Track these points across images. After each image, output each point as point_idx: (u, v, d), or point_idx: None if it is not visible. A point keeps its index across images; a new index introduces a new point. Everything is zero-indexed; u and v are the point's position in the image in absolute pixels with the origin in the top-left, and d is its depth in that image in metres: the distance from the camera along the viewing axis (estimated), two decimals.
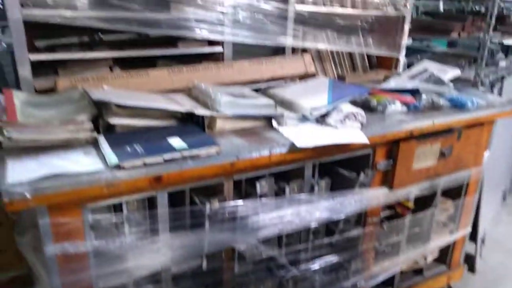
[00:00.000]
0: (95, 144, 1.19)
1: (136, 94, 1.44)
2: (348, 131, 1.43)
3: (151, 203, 1.24)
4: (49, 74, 1.52)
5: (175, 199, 1.27)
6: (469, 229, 2.15)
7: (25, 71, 1.39)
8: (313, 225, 1.54)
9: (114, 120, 1.24)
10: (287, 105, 1.55)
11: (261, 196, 1.40)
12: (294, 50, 1.98)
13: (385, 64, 2.35)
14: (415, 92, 1.76)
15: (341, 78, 2.13)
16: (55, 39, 1.52)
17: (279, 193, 1.46)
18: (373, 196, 1.62)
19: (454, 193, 1.99)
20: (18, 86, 1.42)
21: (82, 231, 1.11)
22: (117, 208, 1.21)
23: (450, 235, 2.06)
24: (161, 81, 1.59)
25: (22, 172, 1.01)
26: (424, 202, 1.86)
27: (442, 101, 1.74)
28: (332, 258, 1.63)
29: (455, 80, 2.02)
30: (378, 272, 1.83)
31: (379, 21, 2.23)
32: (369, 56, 2.33)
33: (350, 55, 2.26)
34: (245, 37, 1.74)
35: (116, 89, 1.46)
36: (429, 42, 3.92)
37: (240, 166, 1.25)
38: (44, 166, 1.04)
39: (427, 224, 1.91)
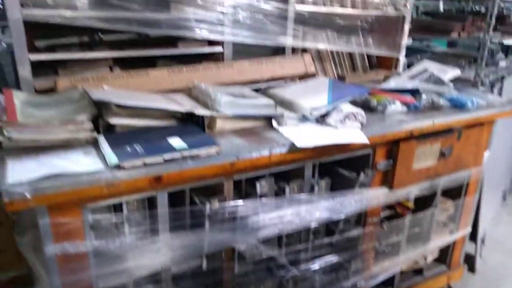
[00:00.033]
0: (95, 144, 1.19)
1: (136, 94, 1.44)
2: (348, 131, 1.43)
3: (151, 203, 1.24)
4: (49, 74, 1.52)
5: (175, 199, 1.27)
6: (469, 229, 2.15)
7: (25, 71, 1.39)
8: (313, 225, 1.54)
9: (114, 120, 1.24)
10: (287, 105, 1.55)
11: (261, 196, 1.40)
12: (294, 50, 1.98)
13: (385, 64, 2.35)
14: (415, 92, 1.76)
15: (341, 78, 2.13)
16: (55, 39, 1.52)
17: (279, 193, 1.46)
18: (373, 196, 1.62)
19: (454, 193, 1.99)
20: (18, 86, 1.42)
21: (82, 231, 1.11)
22: (117, 208, 1.21)
23: (450, 235, 2.06)
24: (161, 81, 1.59)
25: (22, 172, 1.01)
26: (424, 202, 1.86)
27: (442, 101, 1.74)
28: (332, 258, 1.63)
29: (455, 80, 2.02)
30: (378, 272, 1.83)
31: (379, 21, 2.23)
32: (369, 56, 2.33)
33: (350, 55, 2.26)
34: (245, 37, 1.74)
35: (116, 89, 1.46)
36: (429, 42, 3.92)
37: (240, 166, 1.25)
38: (44, 166, 1.04)
39: (427, 224, 1.91)
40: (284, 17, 1.84)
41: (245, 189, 1.44)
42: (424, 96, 1.73)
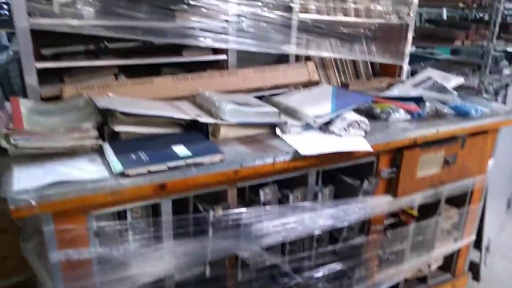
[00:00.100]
0: (100, 151, 1.20)
1: (140, 101, 1.45)
2: (352, 139, 1.44)
3: (155, 210, 1.25)
4: (55, 81, 1.53)
5: (179, 206, 1.28)
6: (473, 237, 2.14)
7: (31, 79, 1.41)
8: (317, 232, 1.54)
9: (119, 128, 1.26)
10: (290, 113, 1.56)
11: (264, 203, 1.40)
12: (297, 58, 1.99)
13: (389, 72, 2.36)
14: (418, 100, 1.76)
15: (344, 85, 2.14)
16: (61, 47, 1.54)
17: (282, 200, 1.46)
18: (377, 203, 1.61)
19: (459, 201, 1.98)
20: (24, 94, 1.44)
21: (87, 238, 1.12)
22: (122, 215, 1.21)
23: (455, 243, 2.05)
24: (165, 88, 1.61)
25: (28, 179, 1.02)
26: (428, 210, 1.86)
27: (446, 109, 1.74)
28: (335, 266, 1.63)
29: (459, 88, 2.02)
30: (382, 280, 1.82)
31: (382, 29, 2.24)
32: (372, 64, 2.33)
33: (354, 63, 2.27)
34: (249, 45, 1.76)
35: (121, 97, 1.47)
36: (432, 50, 3.93)
37: (243, 173, 1.25)
38: (49, 174, 1.05)
39: (431, 232, 1.90)
40: (288, 25, 1.86)
41: (248, 196, 1.45)
42: (427, 104, 1.73)
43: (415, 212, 1.78)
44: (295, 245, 1.54)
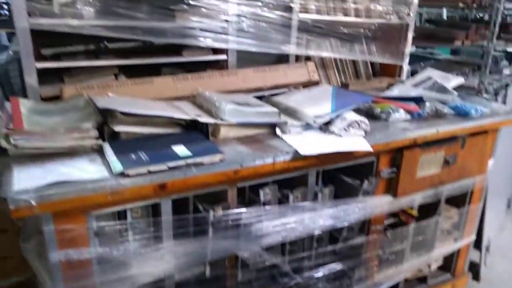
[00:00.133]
0: (100, 151, 1.20)
1: (140, 101, 1.45)
2: (352, 139, 1.44)
3: (155, 210, 1.25)
4: (55, 81, 1.53)
5: (179, 206, 1.28)
6: (473, 237, 2.14)
7: (31, 79, 1.41)
8: (317, 232, 1.54)
9: (119, 128, 1.26)
10: (290, 113, 1.56)
11: (264, 203, 1.40)
12: (297, 58, 1.99)
13: (389, 72, 2.36)
14: (418, 100, 1.76)
15: (344, 85, 2.14)
16: (61, 47, 1.54)
17: (282, 200, 1.46)
18: (377, 203, 1.62)
19: (459, 201, 1.98)
20: (24, 94, 1.44)
21: (87, 238, 1.12)
22: (121, 215, 1.21)
23: (455, 243, 2.05)
24: (165, 88, 1.61)
25: (28, 179, 1.02)
26: (428, 210, 1.86)
27: (446, 109, 1.74)
28: (335, 266, 1.63)
29: (459, 88, 2.02)
30: (382, 280, 1.82)
31: (382, 29, 2.24)
32: (372, 64, 2.33)
33: (354, 63, 2.27)
34: (249, 45, 1.76)
35: (121, 97, 1.47)
36: (432, 50, 3.93)
37: (243, 173, 1.25)
38: (49, 174, 1.05)
39: (431, 232, 1.90)
40: (288, 25, 1.86)
41: (248, 196, 1.45)
42: (427, 104, 1.73)
43: (415, 212, 1.78)
44: (295, 245, 1.54)
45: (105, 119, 1.28)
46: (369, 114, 1.66)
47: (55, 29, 1.39)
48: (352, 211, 1.53)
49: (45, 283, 1.21)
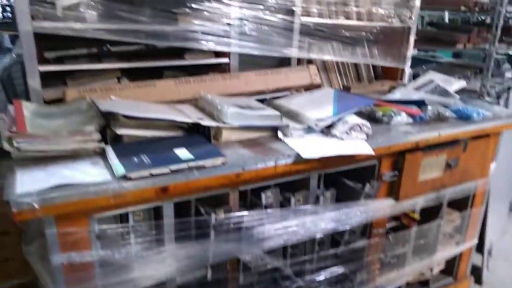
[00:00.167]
0: (102, 154, 1.20)
1: (143, 104, 1.46)
2: (354, 142, 1.44)
3: (157, 213, 1.25)
4: (57, 84, 1.54)
5: (181, 209, 1.28)
6: (475, 241, 2.13)
7: (34, 82, 1.41)
8: (319, 236, 1.53)
9: (122, 131, 1.26)
10: (292, 116, 1.56)
11: (266, 206, 1.40)
12: (299, 61, 1.99)
13: (391, 75, 2.36)
14: (420, 104, 1.76)
15: (346, 88, 2.14)
16: (65, 51, 1.54)
17: (284, 203, 1.46)
18: (378, 207, 1.61)
19: (461, 204, 1.98)
20: (27, 97, 1.44)
21: (89, 241, 1.12)
22: (123, 218, 1.22)
23: (457, 246, 2.05)
24: (168, 91, 1.61)
25: (31, 182, 1.02)
26: (430, 213, 1.85)
27: (448, 113, 1.74)
28: (337, 269, 1.62)
29: (461, 91, 2.02)
30: (384, 283, 1.81)
31: (384, 32, 2.25)
32: (374, 67, 2.34)
33: (356, 66, 2.27)
34: (251, 48, 1.76)
35: (123, 100, 1.48)
36: (434, 53, 3.93)
37: (245, 177, 1.25)
38: (52, 177, 1.05)
39: (433, 236, 1.90)
40: (290, 28, 1.86)
41: (250, 199, 1.45)
42: (429, 108, 1.73)
43: (417, 216, 1.77)
44: (297, 248, 1.54)
45: (107, 122, 1.29)
46: (371, 118, 1.66)
47: (58, 33, 1.40)
48: (354, 214, 1.53)
49: (47, 286, 1.22)
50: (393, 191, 1.65)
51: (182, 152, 1.21)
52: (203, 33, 1.65)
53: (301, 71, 1.94)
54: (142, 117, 1.28)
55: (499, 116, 1.84)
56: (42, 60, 1.47)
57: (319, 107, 1.58)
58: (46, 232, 1.05)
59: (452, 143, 1.71)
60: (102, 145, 1.21)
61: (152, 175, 1.11)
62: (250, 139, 1.43)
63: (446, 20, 4.75)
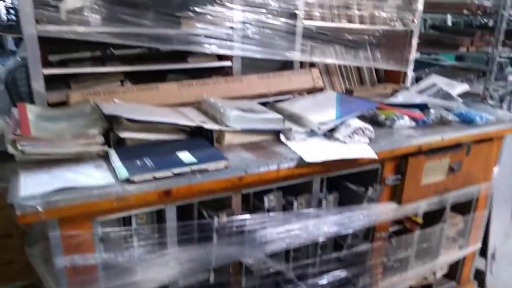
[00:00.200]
0: (105, 157, 1.21)
1: (146, 108, 1.46)
2: (356, 146, 1.44)
3: (159, 216, 1.25)
4: (61, 87, 1.55)
5: (183, 213, 1.28)
6: (479, 245, 2.13)
7: (38, 85, 1.42)
8: (321, 239, 1.53)
9: (125, 134, 1.26)
10: (295, 119, 1.56)
11: (269, 210, 1.40)
12: (302, 65, 1.99)
13: (393, 78, 2.36)
14: (423, 107, 1.76)
15: (348, 92, 2.14)
16: (68, 54, 1.55)
17: (287, 207, 1.46)
18: (381, 211, 1.61)
19: (464, 208, 1.97)
20: (31, 100, 1.45)
21: (92, 243, 1.12)
22: (126, 221, 1.22)
23: (460, 250, 2.04)
24: (171, 95, 1.62)
25: (35, 185, 1.03)
26: (433, 217, 1.85)
27: (450, 116, 1.74)
28: (340, 273, 1.62)
29: (464, 95, 2.02)
30: (387, 287, 1.81)
31: (387, 35, 2.25)
32: (377, 70, 2.34)
33: (358, 69, 2.27)
34: (254, 51, 1.77)
35: (126, 103, 1.48)
36: (437, 56, 3.93)
37: (248, 180, 1.25)
38: (56, 180, 1.05)
39: (436, 239, 1.89)
40: (293, 32, 1.87)
41: (253, 203, 1.45)
42: (432, 111, 1.73)
43: (420, 219, 1.77)
44: (299, 252, 1.54)
45: (111, 125, 1.29)
46: (374, 121, 1.66)
47: (62, 36, 1.41)
48: (357, 218, 1.53)
49: None
50: (396, 194, 1.65)
51: (185, 156, 1.22)
52: (206, 36, 1.66)
53: (303, 74, 1.94)
54: (145, 120, 1.28)
55: (502, 120, 1.83)
56: (46, 63, 1.48)
57: (321, 110, 1.58)
58: (50, 234, 1.06)
59: (455, 147, 1.71)
60: (106, 148, 1.21)
61: (155, 179, 1.12)
62: (253, 142, 1.43)
63: (449, 23, 4.75)
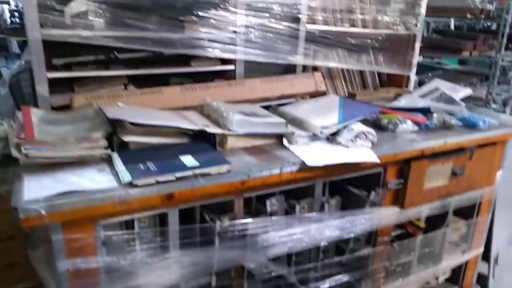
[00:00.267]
0: (109, 161, 1.21)
1: (149, 111, 1.47)
2: (359, 150, 1.44)
3: (162, 220, 1.25)
4: (65, 91, 1.56)
5: (186, 216, 1.29)
6: (481, 249, 2.12)
7: (42, 89, 1.43)
8: (323, 243, 1.53)
9: (128, 138, 1.27)
10: (297, 123, 1.56)
11: (271, 214, 1.41)
12: (305, 68, 2.00)
13: (396, 82, 2.36)
14: (426, 111, 1.76)
15: (351, 95, 2.14)
16: (72, 58, 1.56)
17: (289, 211, 1.46)
18: (384, 215, 1.61)
19: (467, 212, 1.96)
20: (35, 103, 1.46)
21: (94, 247, 1.12)
22: (129, 224, 1.22)
23: (463, 255, 2.03)
24: (174, 98, 1.62)
25: (38, 188, 1.03)
26: (435, 222, 1.85)
27: (453, 121, 1.74)
28: (342, 278, 1.62)
29: (467, 99, 2.02)
30: None
31: (389, 39, 2.25)
32: (379, 74, 2.34)
33: (361, 73, 2.27)
34: (257, 55, 1.77)
35: (130, 106, 1.49)
36: (440, 60, 3.92)
37: (250, 184, 1.26)
38: (59, 183, 1.06)
39: (438, 244, 1.88)
40: (295, 36, 1.87)
41: (255, 207, 1.45)
42: (435, 115, 1.73)
43: (422, 224, 1.77)
44: (301, 256, 1.54)
45: (114, 129, 1.30)
46: (376, 125, 1.66)
47: (66, 40, 1.42)
48: (359, 222, 1.53)
49: None
50: (399, 199, 1.65)
51: (187, 159, 1.22)
52: (210, 40, 1.67)
53: (306, 78, 1.95)
54: (149, 124, 1.29)
55: (505, 124, 1.83)
56: (50, 67, 1.49)
57: (324, 114, 1.58)
58: (52, 238, 1.06)
59: (458, 151, 1.70)
60: (109, 152, 1.22)
61: (158, 182, 1.12)
62: (255, 146, 1.43)
63: (452, 27, 4.74)
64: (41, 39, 1.38)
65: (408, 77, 2.32)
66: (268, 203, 1.39)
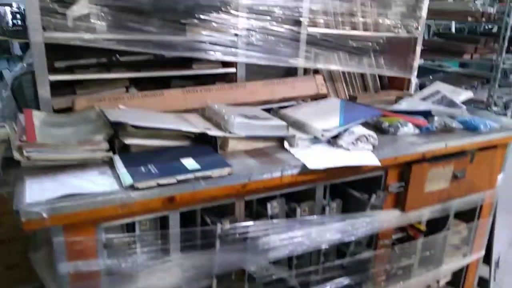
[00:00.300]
0: (110, 163, 1.21)
1: (150, 114, 1.47)
2: (360, 153, 1.44)
3: (163, 222, 1.25)
4: (67, 93, 1.56)
5: (187, 219, 1.29)
6: (482, 252, 2.11)
7: (44, 91, 1.43)
8: (324, 246, 1.53)
9: (129, 141, 1.27)
10: (299, 126, 1.57)
11: (272, 217, 1.41)
12: (306, 71, 2.00)
13: (397, 85, 2.36)
14: (427, 114, 1.76)
15: (352, 98, 2.14)
16: (74, 60, 1.56)
17: (290, 214, 1.46)
18: (384, 218, 1.61)
19: (468, 215, 1.96)
20: (37, 105, 1.46)
21: (95, 250, 1.13)
22: (130, 227, 1.22)
23: (464, 258, 2.03)
24: (175, 101, 1.62)
25: (40, 191, 1.03)
26: (436, 225, 1.84)
27: (454, 124, 1.74)
28: (343, 281, 1.62)
29: (468, 102, 2.02)
30: None
31: (391, 42, 2.25)
32: (380, 77, 2.34)
33: (362, 75, 2.27)
34: (258, 58, 1.77)
35: (131, 109, 1.49)
36: (441, 62, 3.92)
37: (251, 187, 1.26)
38: (61, 186, 1.06)
39: (439, 247, 1.88)
40: (297, 39, 1.87)
41: (256, 209, 1.45)
42: (436, 118, 1.73)
43: (423, 227, 1.77)
44: (302, 259, 1.53)
45: (116, 132, 1.30)
46: (377, 128, 1.67)
47: (68, 43, 1.42)
48: (360, 225, 1.53)
49: None
50: (400, 202, 1.65)
51: (189, 162, 1.22)
52: (211, 43, 1.67)
53: (307, 81, 1.95)
54: (150, 126, 1.29)
55: (507, 127, 1.83)
56: (52, 70, 1.49)
57: (325, 117, 1.58)
58: (53, 240, 1.06)
59: (459, 154, 1.70)
60: (110, 154, 1.22)
61: (159, 185, 1.12)
62: (257, 149, 1.43)
63: (453, 29, 4.75)
64: (43, 41, 1.38)
65: (409, 80, 2.32)
66: (269, 206, 1.39)
